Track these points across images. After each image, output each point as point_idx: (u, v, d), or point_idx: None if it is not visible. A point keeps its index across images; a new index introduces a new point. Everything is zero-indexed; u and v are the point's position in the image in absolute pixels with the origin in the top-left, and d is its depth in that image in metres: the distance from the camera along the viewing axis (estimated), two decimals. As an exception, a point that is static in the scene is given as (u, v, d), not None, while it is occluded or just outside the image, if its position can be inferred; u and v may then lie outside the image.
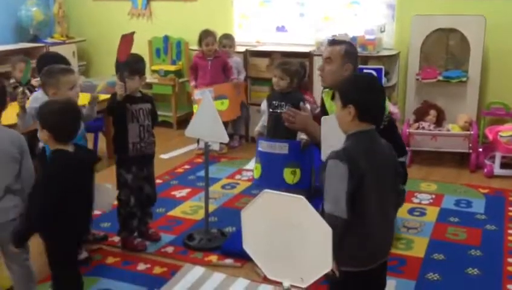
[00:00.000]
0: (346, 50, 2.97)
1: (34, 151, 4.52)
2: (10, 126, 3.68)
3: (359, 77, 2.40)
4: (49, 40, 6.15)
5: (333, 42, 3.09)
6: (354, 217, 1.88)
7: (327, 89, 3.11)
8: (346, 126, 2.01)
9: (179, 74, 5.91)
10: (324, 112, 3.13)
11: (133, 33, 3.01)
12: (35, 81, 4.27)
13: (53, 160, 2.34)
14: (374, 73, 4.40)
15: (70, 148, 2.35)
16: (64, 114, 2.34)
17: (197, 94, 4.96)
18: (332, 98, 2.95)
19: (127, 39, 2.98)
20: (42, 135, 2.35)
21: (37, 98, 3.11)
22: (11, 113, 3.80)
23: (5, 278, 2.79)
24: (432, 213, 3.69)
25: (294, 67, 3.43)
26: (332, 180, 1.90)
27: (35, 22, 6.00)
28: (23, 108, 3.08)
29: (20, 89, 3.13)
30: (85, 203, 2.41)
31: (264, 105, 3.60)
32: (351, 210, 1.86)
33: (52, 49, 5.67)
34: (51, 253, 2.39)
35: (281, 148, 3.25)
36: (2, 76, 5.33)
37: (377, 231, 1.97)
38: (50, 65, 3.11)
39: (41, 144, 3.31)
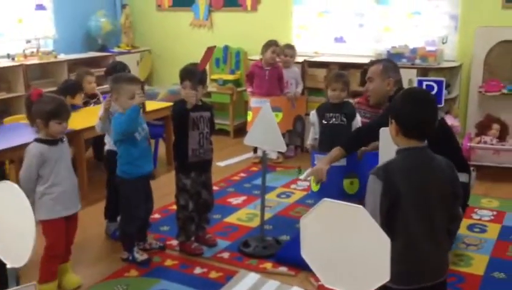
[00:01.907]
0: (384, 66, 3.19)
1: (101, 153, 4.76)
2: (87, 129, 3.91)
3: (407, 91, 2.29)
4: (115, 49, 6.44)
5: (372, 63, 3.36)
6: (391, 235, 1.86)
7: None
8: (394, 141, 2.00)
9: (237, 83, 6.02)
10: None
11: (214, 46, 3.14)
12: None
13: None
14: (435, 85, 4.35)
15: None
16: None
17: (253, 102, 5.05)
18: None
19: (210, 51, 3.10)
20: None
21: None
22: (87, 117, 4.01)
23: (72, 278, 2.96)
24: (493, 230, 3.57)
25: (348, 78, 3.55)
26: (370, 195, 1.90)
27: (104, 32, 6.31)
28: (106, 111, 3.28)
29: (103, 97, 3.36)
30: None
31: (313, 117, 3.64)
32: (387, 228, 1.81)
33: (118, 58, 5.93)
34: None
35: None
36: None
37: (419, 252, 1.93)
38: (117, 73, 3.30)
39: (106, 147, 3.49)
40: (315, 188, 3.41)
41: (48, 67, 5.71)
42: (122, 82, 3.07)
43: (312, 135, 3.63)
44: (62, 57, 5.80)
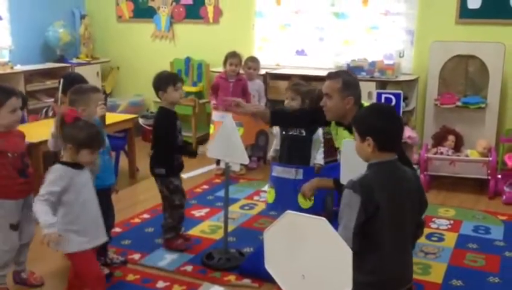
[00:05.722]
0: (344, 83, 2.82)
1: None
2: (42, 142, 3.78)
3: (373, 107, 2.32)
4: (74, 60, 6.31)
5: (329, 76, 2.90)
6: (365, 245, 1.91)
7: None
8: (367, 157, 2.03)
9: (199, 95, 6.01)
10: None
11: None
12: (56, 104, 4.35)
13: None
14: (393, 98, 4.46)
15: None
16: None
17: (215, 116, 5.03)
18: (337, 123, 3.00)
19: None
20: None
21: None
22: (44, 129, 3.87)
23: None
24: (450, 239, 3.68)
25: (305, 88, 3.49)
26: (345, 209, 1.94)
27: (62, 43, 6.17)
28: (58, 128, 3.19)
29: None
30: None
31: (276, 128, 3.64)
32: (362, 239, 1.89)
33: (77, 69, 5.82)
34: None
35: (296, 174, 3.30)
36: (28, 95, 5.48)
37: (390, 261, 1.98)
38: (77, 84, 3.23)
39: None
40: (270, 199, 3.43)
41: (3, 79, 5.51)
42: (89, 92, 3.04)
43: (274, 146, 3.64)
44: (18, 68, 5.64)
